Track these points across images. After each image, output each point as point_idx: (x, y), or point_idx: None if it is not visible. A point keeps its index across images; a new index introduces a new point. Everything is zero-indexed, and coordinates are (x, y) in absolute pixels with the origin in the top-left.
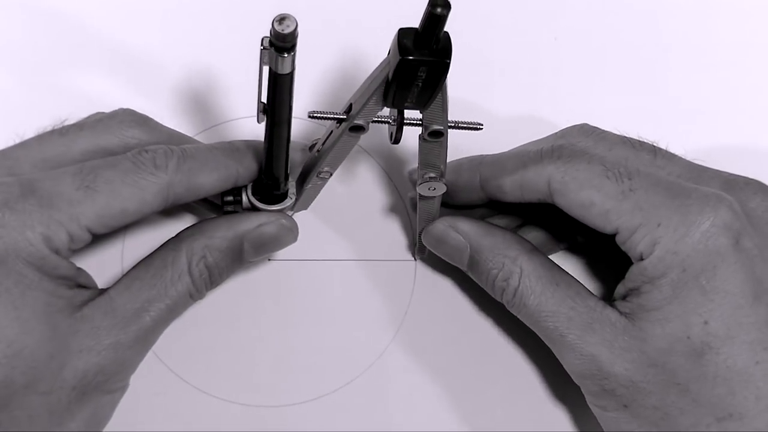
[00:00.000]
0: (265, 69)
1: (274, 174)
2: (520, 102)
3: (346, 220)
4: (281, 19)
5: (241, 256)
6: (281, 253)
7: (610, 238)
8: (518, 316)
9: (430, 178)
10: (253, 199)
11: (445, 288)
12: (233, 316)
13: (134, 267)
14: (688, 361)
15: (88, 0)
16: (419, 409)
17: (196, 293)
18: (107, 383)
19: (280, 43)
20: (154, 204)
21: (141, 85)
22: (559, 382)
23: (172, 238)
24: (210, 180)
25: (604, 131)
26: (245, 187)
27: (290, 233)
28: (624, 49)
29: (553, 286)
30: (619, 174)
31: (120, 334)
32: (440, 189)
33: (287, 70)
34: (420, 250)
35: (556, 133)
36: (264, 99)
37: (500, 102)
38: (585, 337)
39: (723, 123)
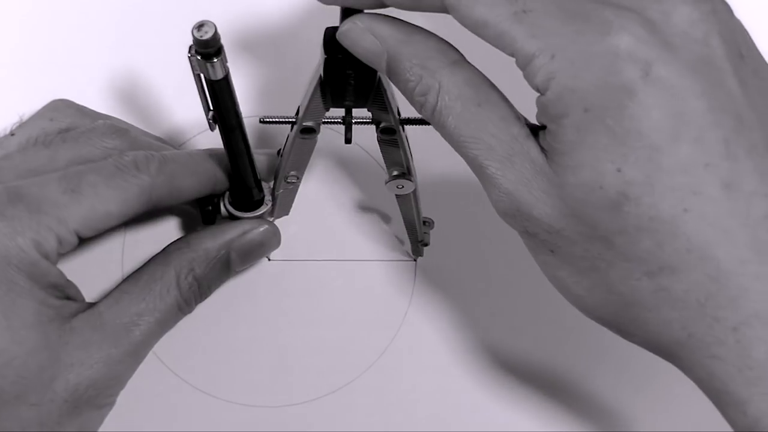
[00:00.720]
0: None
1: (242, 181)
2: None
3: (346, 220)
4: (199, 26)
5: (228, 266)
6: (281, 253)
7: None
8: (442, 137)
9: (394, 176)
10: (230, 208)
11: (445, 288)
12: (233, 316)
13: (123, 281)
14: (606, 213)
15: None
16: (419, 409)
17: (185, 306)
18: (98, 398)
19: (204, 50)
20: (137, 206)
21: (137, 89)
22: (560, 381)
23: (160, 252)
24: (190, 183)
25: None
26: (222, 196)
27: (274, 238)
28: None
29: (474, 107)
30: None
31: (111, 348)
32: (408, 187)
33: (219, 76)
34: (415, 250)
35: None
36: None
37: None
38: (504, 172)
39: None
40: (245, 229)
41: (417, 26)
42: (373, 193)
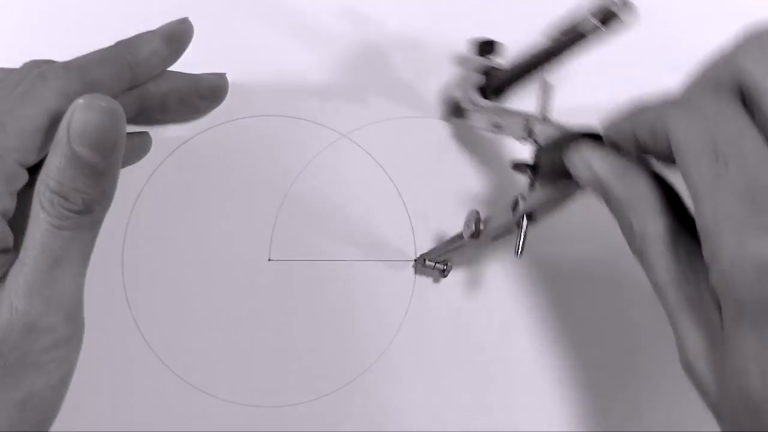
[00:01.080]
0: None
1: None
2: (521, 101)
3: (346, 220)
4: None
5: (80, 160)
6: (281, 253)
7: None
8: None
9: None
10: None
11: (446, 288)
12: (233, 316)
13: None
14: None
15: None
16: (419, 409)
17: (60, 221)
18: (26, 356)
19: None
20: (62, 109)
21: None
22: (561, 381)
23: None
24: (103, 70)
25: None
26: None
27: (102, 110)
28: (624, 49)
29: (672, 255)
30: (715, 152)
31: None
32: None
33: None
34: (418, 264)
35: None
36: None
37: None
38: (689, 330)
39: None
40: (68, 116)
41: (635, 163)
42: (373, 193)
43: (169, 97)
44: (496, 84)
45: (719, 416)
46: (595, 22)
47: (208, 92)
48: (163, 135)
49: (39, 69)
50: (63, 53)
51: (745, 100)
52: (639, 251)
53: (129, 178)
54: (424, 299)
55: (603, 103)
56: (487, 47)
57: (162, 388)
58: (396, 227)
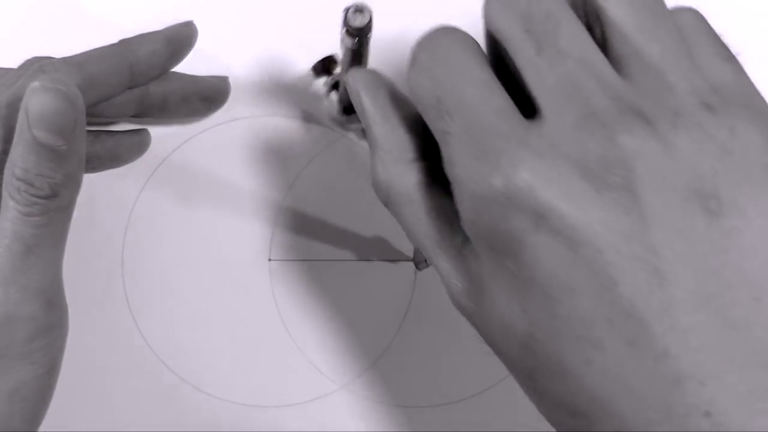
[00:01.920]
0: None
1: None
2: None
3: (346, 220)
4: (357, 9)
5: (41, 146)
6: (281, 253)
7: None
8: None
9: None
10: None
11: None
12: (233, 315)
13: None
14: (519, 351)
15: None
16: (420, 409)
17: (29, 208)
18: (9, 347)
19: (358, 34)
20: None
21: None
22: None
23: None
24: (102, 66)
25: None
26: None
27: (55, 93)
28: None
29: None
30: (440, 105)
31: None
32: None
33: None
34: (418, 262)
35: None
36: None
37: None
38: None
39: None
40: (25, 102)
41: (398, 107)
42: (373, 193)
43: (169, 97)
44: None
45: (492, 347)
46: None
47: (209, 94)
48: (163, 134)
49: (39, 63)
50: (62, 53)
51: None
52: (386, 201)
53: (129, 178)
54: (424, 299)
55: None
56: (325, 65)
57: (162, 388)
58: (396, 227)
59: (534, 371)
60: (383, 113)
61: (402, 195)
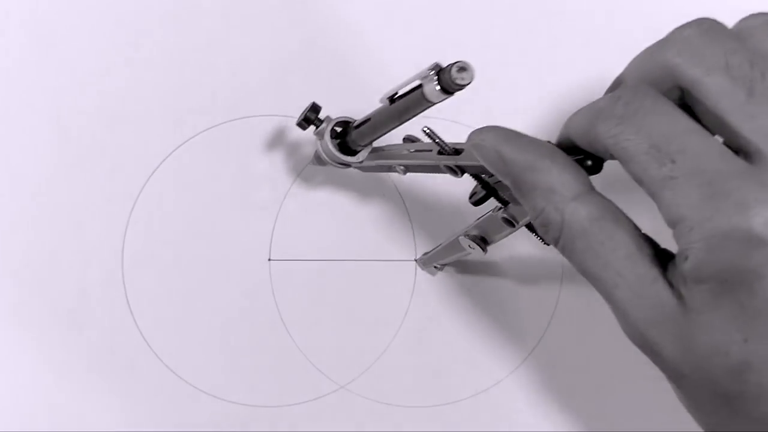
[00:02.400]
0: None
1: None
2: (521, 101)
3: (347, 220)
4: (461, 68)
5: None
6: (281, 253)
7: None
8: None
9: (473, 237)
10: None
11: (445, 288)
12: (233, 315)
13: None
14: (729, 376)
15: None
16: (420, 409)
17: None
18: None
19: (453, 90)
20: None
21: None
22: (561, 381)
23: None
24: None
25: None
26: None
27: None
28: (625, 50)
29: (597, 245)
30: (659, 153)
31: None
32: (477, 254)
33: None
34: (425, 263)
35: None
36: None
37: (500, 101)
38: (631, 308)
39: None
40: None
41: (546, 147)
42: (373, 193)
43: None
44: (356, 137)
45: (680, 380)
46: (431, 88)
47: None
48: (163, 134)
49: None
50: (62, 53)
51: (684, 94)
52: (558, 244)
53: (128, 178)
54: (424, 299)
55: None
56: (309, 117)
57: (162, 388)
58: (396, 227)
59: (739, 395)
60: (534, 159)
61: (576, 230)
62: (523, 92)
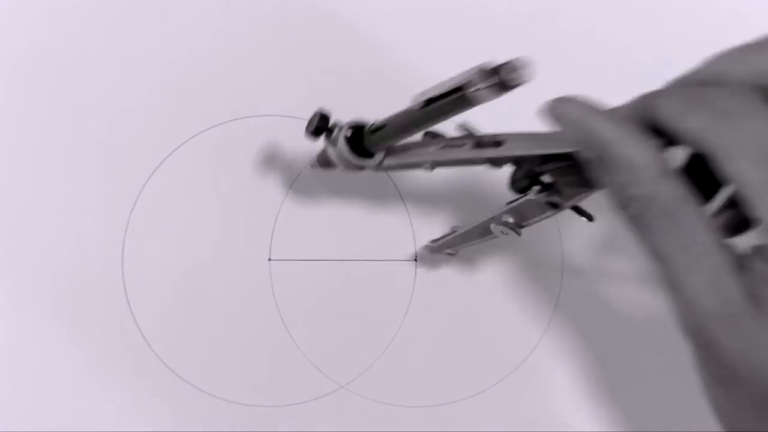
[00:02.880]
0: None
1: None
2: (520, 101)
3: (347, 220)
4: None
5: None
6: (281, 253)
7: None
8: None
9: (506, 223)
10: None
11: (445, 288)
12: (233, 315)
13: None
14: None
15: None
16: (420, 409)
17: None
18: None
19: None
20: None
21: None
22: (565, 377)
23: None
24: None
25: None
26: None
27: None
28: (625, 50)
29: (674, 228)
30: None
31: None
32: (511, 238)
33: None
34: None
35: None
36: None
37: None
38: (700, 300)
39: None
40: None
41: (634, 122)
42: (373, 193)
43: None
44: (376, 141)
45: (730, 380)
46: (480, 86)
47: None
48: (162, 134)
49: None
50: (62, 53)
51: None
52: (636, 220)
53: (128, 178)
54: (425, 299)
55: None
56: (321, 126)
57: (161, 387)
58: (396, 227)
59: None
60: (624, 134)
61: (662, 209)
62: (526, 89)
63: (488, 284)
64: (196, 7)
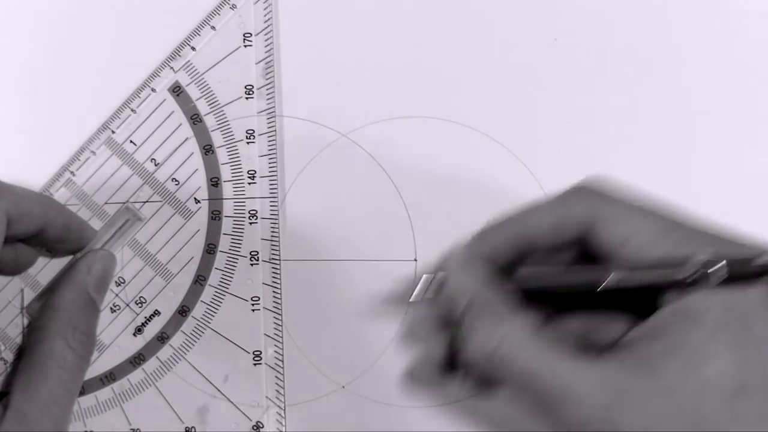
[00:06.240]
0: None
1: None
2: (520, 102)
3: (347, 220)
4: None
5: (94, 304)
6: (281, 253)
7: None
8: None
9: None
10: None
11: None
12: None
13: (19, 369)
14: (720, 404)
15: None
16: (419, 409)
17: (84, 364)
18: None
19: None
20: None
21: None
22: None
23: (35, 327)
24: (37, 210)
25: None
26: None
27: (112, 260)
28: (624, 50)
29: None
30: (664, 209)
31: None
32: None
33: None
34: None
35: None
36: None
37: (499, 102)
38: (590, 401)
39: (724, 124)
40: (89, 265)
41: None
42: (373, 193)
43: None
44: None
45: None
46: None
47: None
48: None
49: None
50: (62, 53)
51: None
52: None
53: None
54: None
55: None
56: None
57: (163, 388)
58: (396, 227)
59: (729, 422)
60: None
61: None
62: (527, 89)
63: None
64: (195, 7)
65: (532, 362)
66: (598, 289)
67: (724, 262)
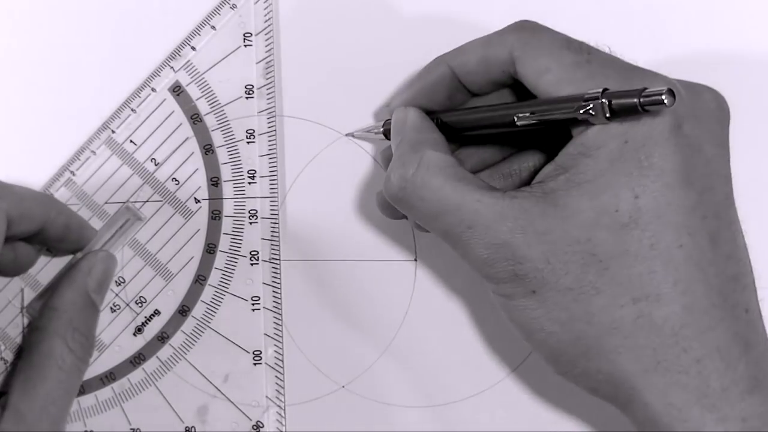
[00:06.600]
0: None
1: None
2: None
3: (346, 220)
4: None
5: (94, 305)
6: (281, 253)
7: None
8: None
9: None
10: None
11: (445, 288)
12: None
13: (18, 368)
14: (612, 235)
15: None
16: (418, 410)
17: (83, 365)
18: None
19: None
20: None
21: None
22: (562, 381)
23: (35, 328)
24: (38, 210)
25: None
26: None
27: (112, 261)
28: (625, 50)
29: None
30: (579, 47)
31: None
32: None
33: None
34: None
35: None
36: None
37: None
38: (495, 227)
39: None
40: (90, 266)
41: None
42: (373, 193)
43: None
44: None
45: (550, 269)
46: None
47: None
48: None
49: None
50: (61, 53)
51: None
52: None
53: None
54: (425, 299)
55: None
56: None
57: (163, 388)
58: (396, 227)
59: (618, 256)
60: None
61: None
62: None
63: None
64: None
65: (443, 189)
66: (517, 124)
67: (601, 96)
